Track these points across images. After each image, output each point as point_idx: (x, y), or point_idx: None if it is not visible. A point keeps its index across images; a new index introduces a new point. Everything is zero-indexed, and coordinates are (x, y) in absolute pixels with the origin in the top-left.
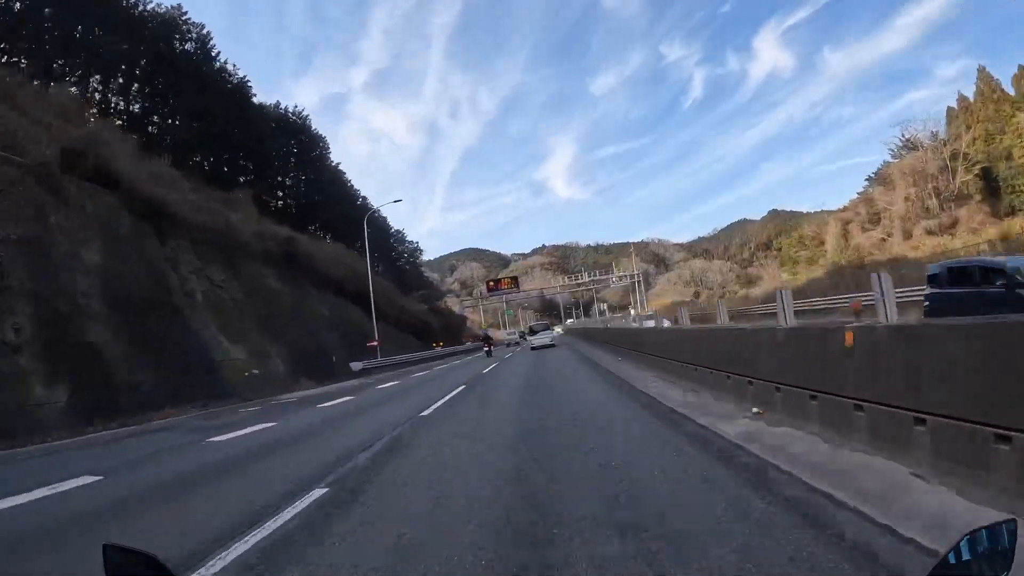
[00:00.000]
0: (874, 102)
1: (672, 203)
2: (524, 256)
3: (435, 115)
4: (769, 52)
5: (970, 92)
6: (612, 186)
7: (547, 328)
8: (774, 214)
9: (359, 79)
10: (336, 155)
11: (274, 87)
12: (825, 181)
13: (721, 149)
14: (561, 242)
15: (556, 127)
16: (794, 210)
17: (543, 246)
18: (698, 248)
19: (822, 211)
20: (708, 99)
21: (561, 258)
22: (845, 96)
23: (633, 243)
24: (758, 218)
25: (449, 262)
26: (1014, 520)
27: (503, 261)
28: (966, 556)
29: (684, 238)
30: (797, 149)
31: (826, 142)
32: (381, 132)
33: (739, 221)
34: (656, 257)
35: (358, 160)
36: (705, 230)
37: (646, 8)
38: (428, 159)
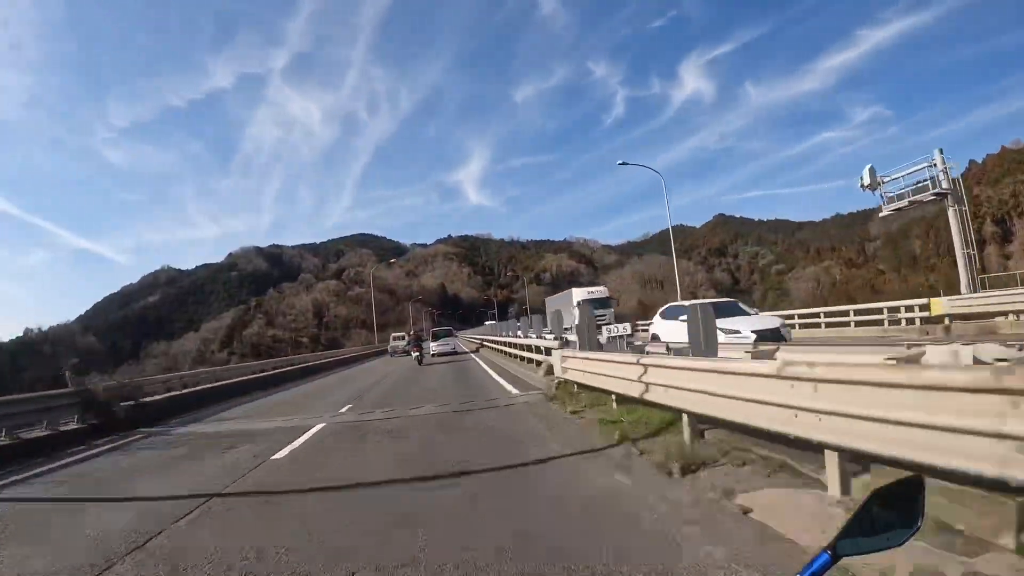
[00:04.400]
0: (785, 139)
1: (589, 211)
2: (425, 246)
3: (352, 108)
4: (692, 80)
5: None
6: (523, 196)
7: (449, 334)
8: (721, 218)
9: (279, 62)
10: (248, 139)
11: (187, 60)
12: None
13: (631, 170)
14: (471, 233)
15: (472, 132)
16: (744, 216)
17: (448, 236)
18: (630, 250)
19: (777, 219)
20: (628, 119)
21: (470, 249)
22: (758, 130)
23: (555, 241)
24: (698, 225)
25: (336, 247)
26: (921, 476)
27: (398, 249)
28: (877, 511)
29: (611, 240)
30: (706, 176)
31: (735, 172)
32: (295, 119)
33: (676, 226)
34: (583, 257)
35: (269, 145)
36: (634, 234)
37: (578, 21)
38: (339, 152)
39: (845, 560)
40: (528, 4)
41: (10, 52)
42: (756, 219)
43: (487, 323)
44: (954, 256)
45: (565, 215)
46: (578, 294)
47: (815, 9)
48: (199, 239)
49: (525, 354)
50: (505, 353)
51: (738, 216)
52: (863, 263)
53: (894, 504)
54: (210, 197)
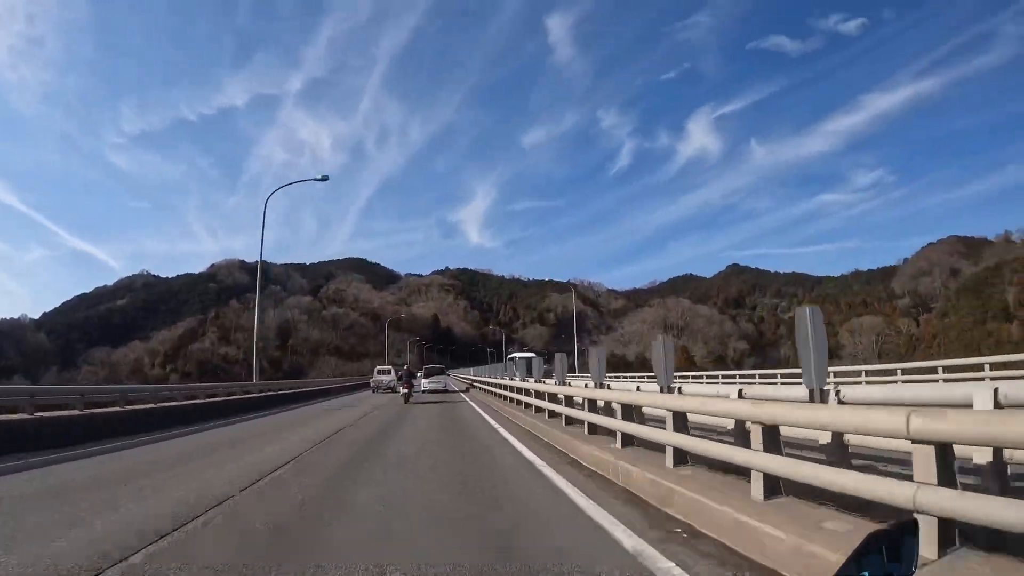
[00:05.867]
0: (790, 199)
1: (593, 258)
2: (420, 276)
3: (362, 137)
4: (700, 135)
5: None
6: (526, 239)
7: (441, 372)
8: (735, 269)
9: (294, 85)
10: (255, 159)
11: (204, 75)
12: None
13: (635, 221)
14: (470, 267)
15: (479, 173)
16: (760, 268)
17: (446, 268)
18: (638, 297)
19: (795, 273)
20: (634, 169)
21: (468, 283)
22: (763, 188)
23: (559, 281)
24: (708, 275)
25: (326, 269)
26: (915, 520)
27: (391, 277)
28: (872, 556)
29: (617, 286)
30: (711, 229)
31: (741, 227)
32: (304, 143)
33: (684, 276)
34: (588, 300)
35: (276, 168)
36: (639, 282)
37: (593, 69)
38: (345, 180)
39: None
40: (545, 49)
41: (31, 47)
42: (772, 271)
43: (520, 356)
44: None
45: (567, 261)
46: None
47: (825, 73)
48: (199, 252)
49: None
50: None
51: (753, 267)
52: (941, 315)
53: (887, 549)
54: (214, 212)
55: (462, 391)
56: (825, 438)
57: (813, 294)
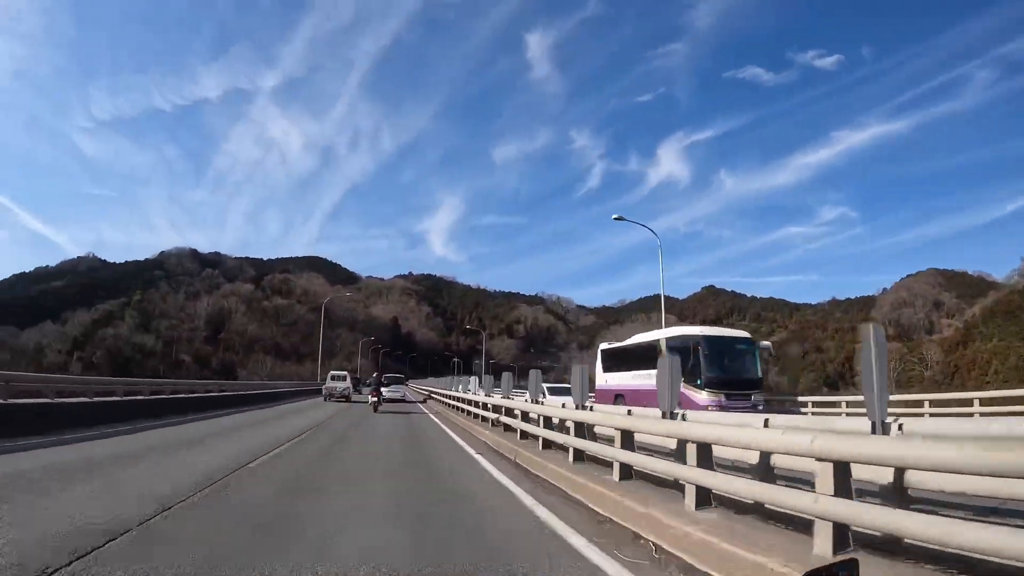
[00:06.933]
0: (752, 230)
1: (558, 276)
2: (382, 279)
3: (333, 141)
4: (669, 161)
5: None
6: (490, 254)
7: (400, 382)
8: (711, 291)
9: (269, 82)
10: (223, 155)
11: (180, 64)
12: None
13: (600, 241)
14: (434, 273)
15: (447, 185)
16: (737, 292)
17: (409, 272)
18: (608, 315)
19: (772, 298)
20: (602, 192)
21: (431, 289)
22: (725, 219)
23: (526, 295)
24: (680, 296)
25: (283, 267)
26: (855, 560)
27: (350, 277)
28: None
29: (585, 303)
30: (673, 255)
31: (701, 257)
32: (274, 142)
33: (655, 295)
34: (557, 315)
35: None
36: (608, 300)
37: (569, 88)
38: (312, 183)
39: None
40: (522, 65)
41: (9, 22)
42: (748, 295)
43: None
44: None
45: (531, 278)
46: None
47: (798, 106)
48: (158, 245)
49: None
50: None
51: (729, 291)
52: (959, 343)
53: None
54: (176, 205)
55: (419, 401)
56: (885, 479)
57: (794, 320)
